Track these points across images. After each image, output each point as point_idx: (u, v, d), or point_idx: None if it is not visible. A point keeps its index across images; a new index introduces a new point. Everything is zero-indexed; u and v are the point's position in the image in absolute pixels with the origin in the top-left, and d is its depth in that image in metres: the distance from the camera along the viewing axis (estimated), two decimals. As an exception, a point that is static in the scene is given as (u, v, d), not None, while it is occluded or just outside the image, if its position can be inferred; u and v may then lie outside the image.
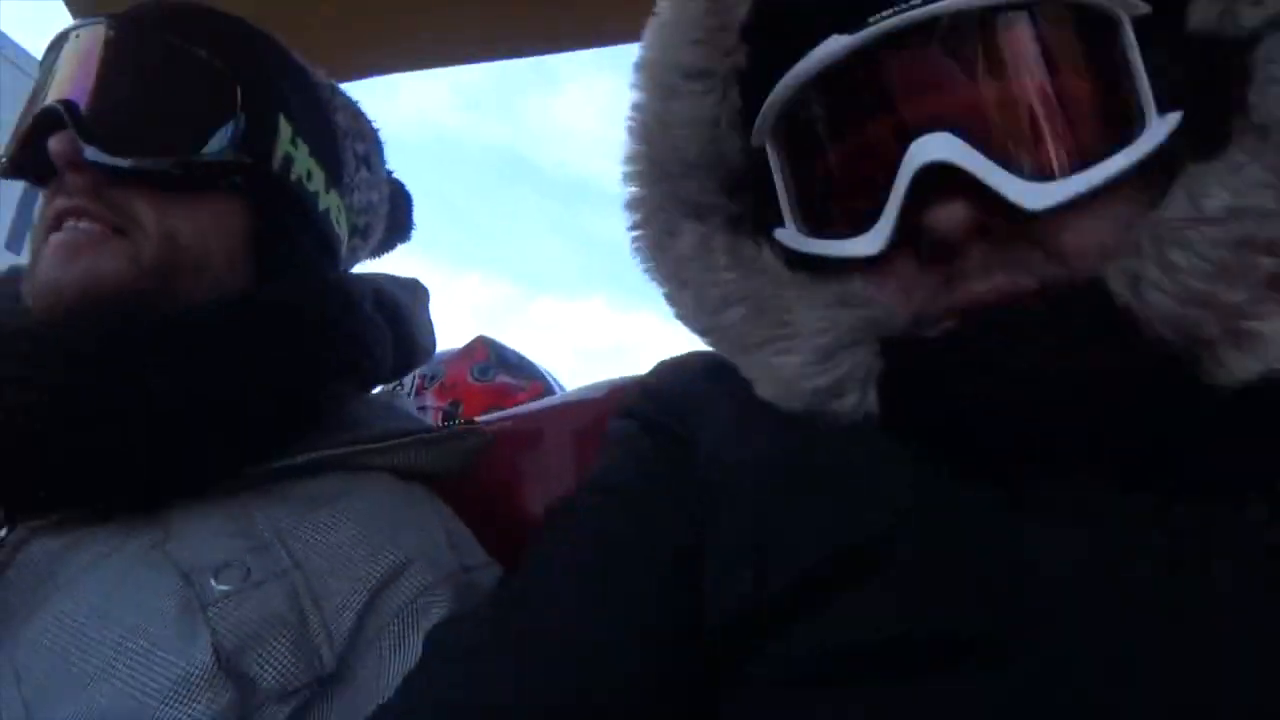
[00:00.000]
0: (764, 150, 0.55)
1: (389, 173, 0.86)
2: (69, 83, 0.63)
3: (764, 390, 0.51)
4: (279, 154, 0.67)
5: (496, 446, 0.87)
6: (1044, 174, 0.45)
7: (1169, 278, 0.42)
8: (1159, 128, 0.46)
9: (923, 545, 0.41)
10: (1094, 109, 0.47)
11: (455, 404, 1.19)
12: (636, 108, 0.58)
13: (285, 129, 0.67)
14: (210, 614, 0.52)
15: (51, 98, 0.62)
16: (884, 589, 0.41)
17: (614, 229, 0.62)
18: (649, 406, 0.61)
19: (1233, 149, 0.44)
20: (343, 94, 0.78)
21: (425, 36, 1.23)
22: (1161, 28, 0.47)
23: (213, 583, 0.54)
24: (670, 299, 0.58)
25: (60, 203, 0.61)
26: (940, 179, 0.45)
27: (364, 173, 0.77)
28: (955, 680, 0.37)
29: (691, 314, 0.56)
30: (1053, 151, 0.45)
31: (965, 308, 0.46)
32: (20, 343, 0.57)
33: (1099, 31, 0.47)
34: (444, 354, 1.27)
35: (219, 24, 0.68)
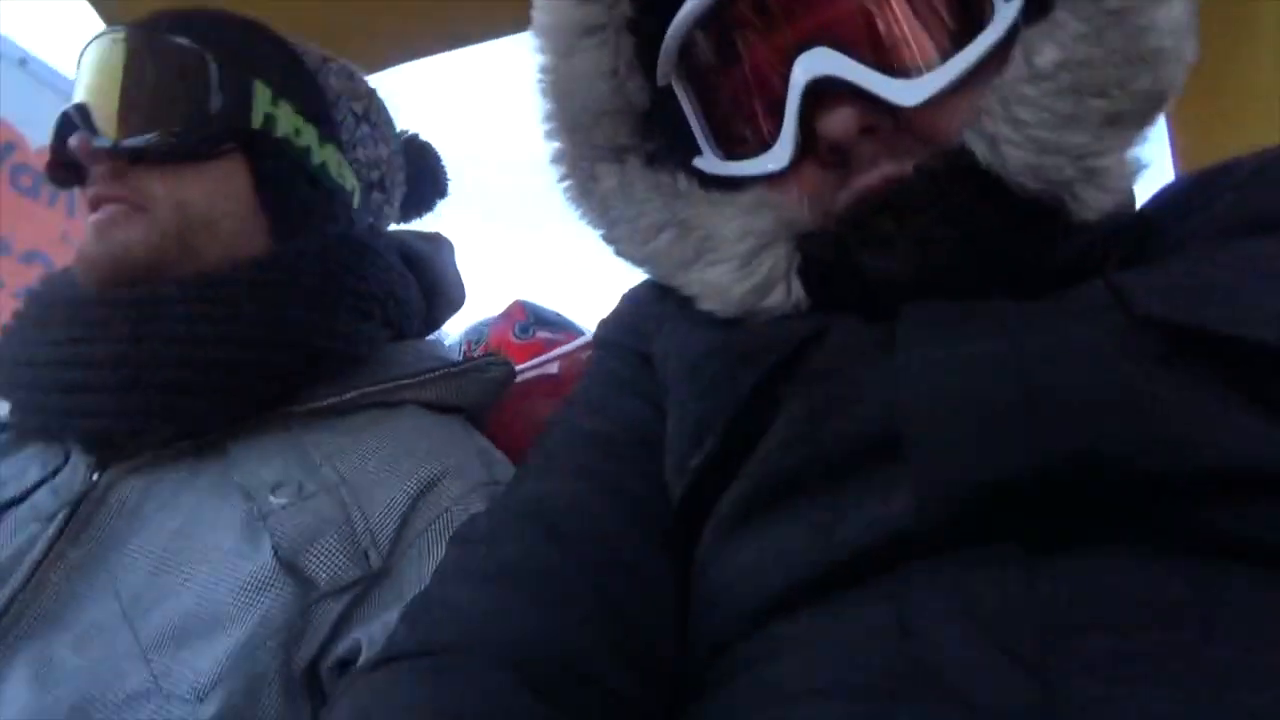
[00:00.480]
0: (669, 89, 0.61)
1: (407, 133, 0.94)
2: (81, 88, 0.73)
3: (704, 303, 0.58)
4: (258, 114, 0.74)
5: (537, 389, 0.99)
6: (913, 73, 0.51)
7: (1019, 133, 0.48)
8: (1005, 12, 0.52)
9: (811, 378, 0.48)
10: (948, 7, 0.53)
11: (502, 363, 1.30)
12: (543, 69, 0.63)
13: (263, 92, 0.74)
14: (270, 522, 0.63)
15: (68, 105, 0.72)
16: (785, 424, 0.48)
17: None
18: (611, 333, 0.69)
19: (1056, 11, 0.49)
20: (336, 61, 0.85)
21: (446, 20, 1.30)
22: None
23: (271, 497, 0.64)
24: (606, 238, 0.64)
25: (90, 191, 0.71)
26: (827, 89, 0.51)
27: (364, 128, 0.84)
28: (856, 488, 0.43)
29: (627, 247, 0.63)
30: (918, 51, 0.52)
31: (861, 197, 0.53)
32: (83, 309, 0.69)
33: None
34: (486, 320, 1.38)
35: (201, 16, 0.76)
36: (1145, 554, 0.37)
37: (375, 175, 0.86)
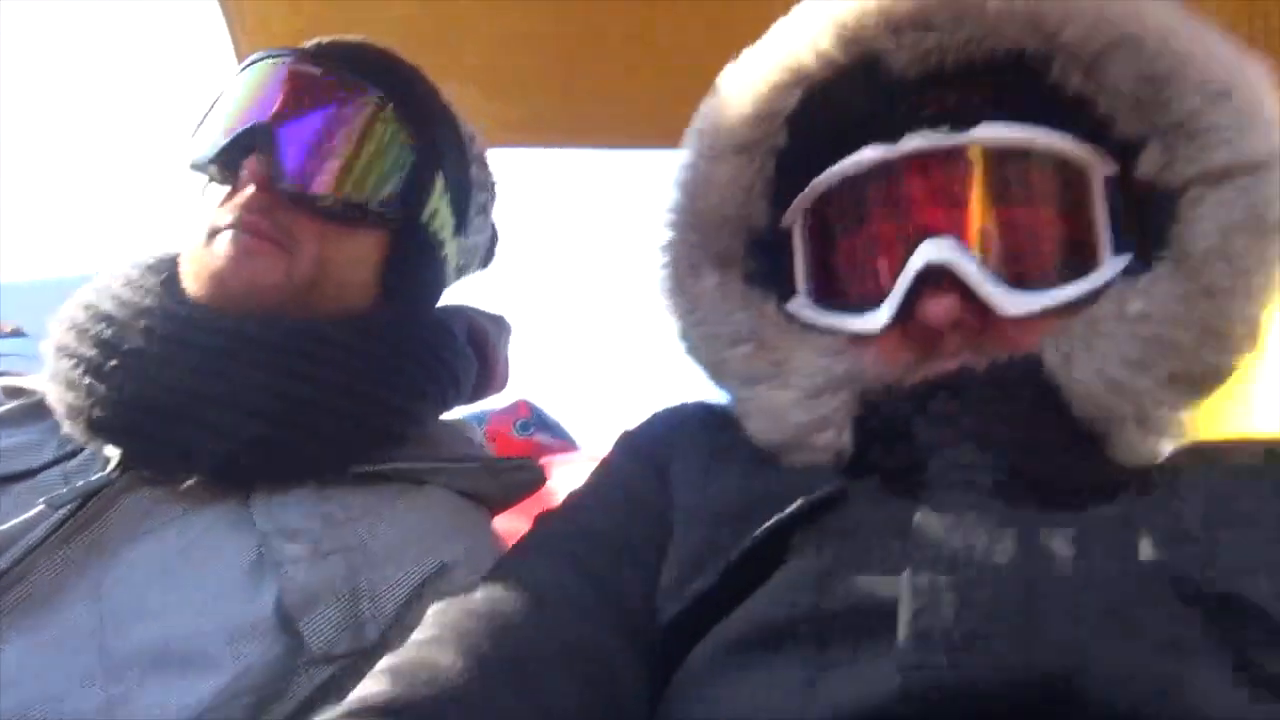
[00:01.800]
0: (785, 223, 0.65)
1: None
2: (260, 107, 0.70)
3: (754, 424, 0.60)
4: (430, 207, 0.76)
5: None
6: (1022, 286, 0.55)
7: (1092, 360, 0.52)
8: (1112, 265, 0.56)
9: (826, 535, 0.50)
10: (1065, 241, 0.58)
11: (492, 452, 1.30)
12: (686, 166, 0.67)
13: (439, 185, 0.76)
14: (282, 573, 0.59)
15: (251, 118, 0.69)
16: (792, 572, 0.49)
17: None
18: (637, 440, 0.70)
19: (1156, 269, 0.54)
20: (479, 145, 0.84)
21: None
22: (1120, 175, 0.58)
23: (286, 546, 0.61)
24: (681, 333, 0.66)
25: (236, 214, 0.67)
26: (935, 276, 0.55)
27: (479, 219, 0.85)
28: (844, 654, 0.44)
29: (701, 349, 0.65)
30: (1030, 269, 0.56)
31: (932, 379, 0.55)
32: (183, 328, 0.65)
33: (1077, 180, 0.58)
34: (489, 410, 1.38)
35: (400, 75, 0.76)
36: None
37: (464, 261, 0.86)
